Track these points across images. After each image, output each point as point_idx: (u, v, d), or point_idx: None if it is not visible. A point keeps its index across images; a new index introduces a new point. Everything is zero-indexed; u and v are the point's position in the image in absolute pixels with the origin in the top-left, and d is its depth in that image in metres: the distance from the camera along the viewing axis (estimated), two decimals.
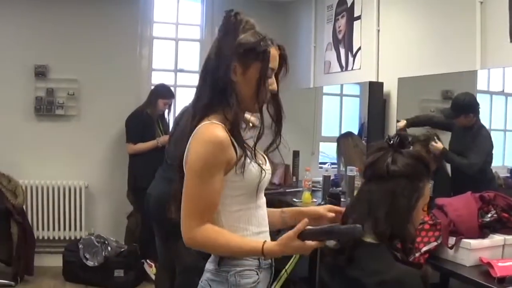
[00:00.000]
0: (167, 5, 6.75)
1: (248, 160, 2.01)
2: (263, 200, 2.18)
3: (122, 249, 5.81)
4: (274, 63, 2.07)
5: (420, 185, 2.01)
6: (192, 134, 2.03)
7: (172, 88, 6.21)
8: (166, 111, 6.05)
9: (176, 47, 6.76)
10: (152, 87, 6.18)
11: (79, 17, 6.27)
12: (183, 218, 2.03)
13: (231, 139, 1.99)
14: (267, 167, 2.14)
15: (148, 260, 5.81)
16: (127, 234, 6.15)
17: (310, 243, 1.94)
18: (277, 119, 2.14)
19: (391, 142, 2.05)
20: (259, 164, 2.06)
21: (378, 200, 1.98)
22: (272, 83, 2.08)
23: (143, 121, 5.83)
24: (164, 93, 5.95)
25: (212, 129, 1.98)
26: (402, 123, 4.38)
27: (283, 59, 2.13)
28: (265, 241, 1.99)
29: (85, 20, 6.29)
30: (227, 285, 2.06)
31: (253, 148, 2.07)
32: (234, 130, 2.01)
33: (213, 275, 2.12)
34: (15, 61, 6.11)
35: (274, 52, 2.06)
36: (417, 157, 2.04)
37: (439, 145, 4.04)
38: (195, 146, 2.00)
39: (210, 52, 2.09)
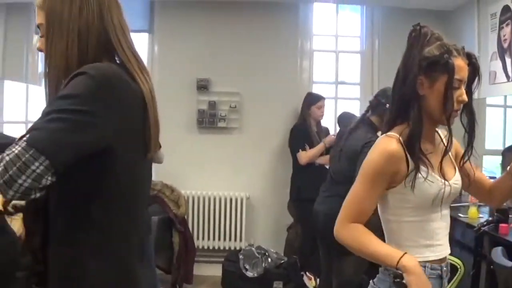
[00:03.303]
0: (327, 17, 6.71)
1: (421, 175, 2.03)
2: (442, 212, 2.17)
3: (282, 261, 5.76)
4: (461, 74, 2.06)
5: None
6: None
7: (333, 101, 6.16)
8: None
9: (336, 59, 6.69)
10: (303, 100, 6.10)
11: (240, 31, 6.42)
12: (340, 211, 2.15)
13: (405, 152, 2.04)
14: (455, 179, 2.17)
15: (307, 273, 5.74)
16: (287, 246, 6.10)
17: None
18: (470, 129, 2.17)
19: None
20: (442, 178, 2.10)
21: None
22: (461, 94, 2.07)
23: (307, 131, 5.81)
24: (312, 98, 5.93)
25: (386, 141, 2.09)
26: None
27: (474, 68, 2.13)
28: (405, 253, 1.99)
29: (246, 34, 6.41)
30: (388, 284, 2.09)
31: (440, 161, 2.11)
32: (410, 143, 2.04)
33: (380, 272, 2.16)
34: (178, 75, 6.35)
35: (460, 63, 2.06)
36: None
37: None
38: (369, 155, 2.13)
39: (399, 65, 2.14)
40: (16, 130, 1.56)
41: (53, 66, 1.65)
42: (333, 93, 6.56)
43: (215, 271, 6.05)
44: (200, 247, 6.31)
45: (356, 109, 6.21)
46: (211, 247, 6.38)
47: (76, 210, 1.63)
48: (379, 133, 3.96)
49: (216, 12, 6.38)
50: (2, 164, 1.42)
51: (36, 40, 1.78)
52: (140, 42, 6.34)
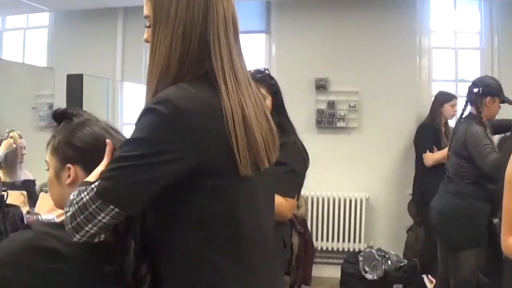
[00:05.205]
0: (445, 13, 6.56)
1: None
2: None
3: (402, 264, 5.68)
4: None
5: None
6: None
7: None
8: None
9: (455, 56, 6.51)
10: (434, 98, 5.94)
11: (357, 30, 6.34)
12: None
13: None
14: None
15: (429, 276, 5.63)
16: (406, 249, 6.00)
17: None
18: None
19: None
20: None
21: None
22: None
23: (434, 131, 5.67)
24: (447, 96, 5.77)
25: None
26: None
27: None
28: None
29: (363, 32, 6.34)
30: None
31: None
32: None
33: None
34: (297, 75, 6.33)
35: None
36: None
37: None
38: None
39: None
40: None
41: (156, 64, 1.57)
42: (453, 91, 6.36)
43: (334, 272, 6.03)
44: (319, 248, 6.29)
45: None
46: (329, 248, 6.35)
47: (180, 248, 1.56)
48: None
49: (332, 10, 6.34)
50: (72, 209, 1.48)
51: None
52: (258, 43, 6.38)
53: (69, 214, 1.49)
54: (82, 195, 1.48)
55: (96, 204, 1.44)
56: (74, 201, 1.49)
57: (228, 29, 1.59)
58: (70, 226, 1.48)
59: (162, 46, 1.56)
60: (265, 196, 1.68)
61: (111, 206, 1.44)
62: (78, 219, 1.46)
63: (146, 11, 1.63)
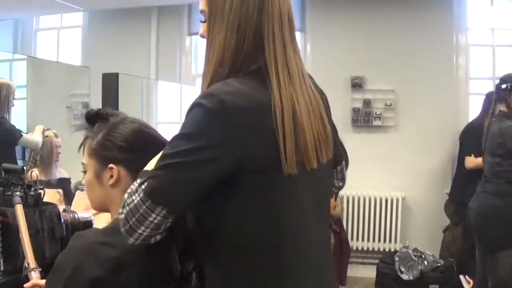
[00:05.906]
0: (482, 10, 6.46)
1: None
2: None
3: (439, 264, 5.61)
4: None
5: None
6: None
7: None
8: None
9: (493, 53, 6.41)
10: (485, 97, 5.64)
11: (393, 27, 6.29)
12: None
13: None
14: None
15: (466, 276, 5.53)
16: (443, 249, 5.92)
17: None
18: None
19: None
20: None
21: None
22: None
23: (480, 133, 5.52)
24: None
25: None
26: None
27: None
28: None
29: (399, 30, 6.28)
30: None
31: None
32: None
33: None
34: (332, 73, 6.27)
35: None
36: None
37: None
38: None
39: None
40: (169, 131, 1.53)
41: (210, 58, 1.54)
42: (491, 89, 6.26)
43: (369, 272, 5.99)
44: (354, 248, 6.26)
45: None
46: (365, 248, 6.32)
47: (221, 254, 1.53)
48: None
49: (368, 8, 6.30)
50: (124, 211, 1.46)
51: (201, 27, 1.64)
52: None
53: (122, 216, 1.47)
54: (134, 197, 1.45)
55: (146, 205, 1.42)
56: (126, 203, 1.46)
57: (283, 24, 1.56)
58: (123, 229, 1.46)
59: (216, 40, 1.54)
60: (314, 197, 1.62)
61: (160, 206, 1.42)
62: (131, 222, 1.44)
63: (202, 5, 1.60)
